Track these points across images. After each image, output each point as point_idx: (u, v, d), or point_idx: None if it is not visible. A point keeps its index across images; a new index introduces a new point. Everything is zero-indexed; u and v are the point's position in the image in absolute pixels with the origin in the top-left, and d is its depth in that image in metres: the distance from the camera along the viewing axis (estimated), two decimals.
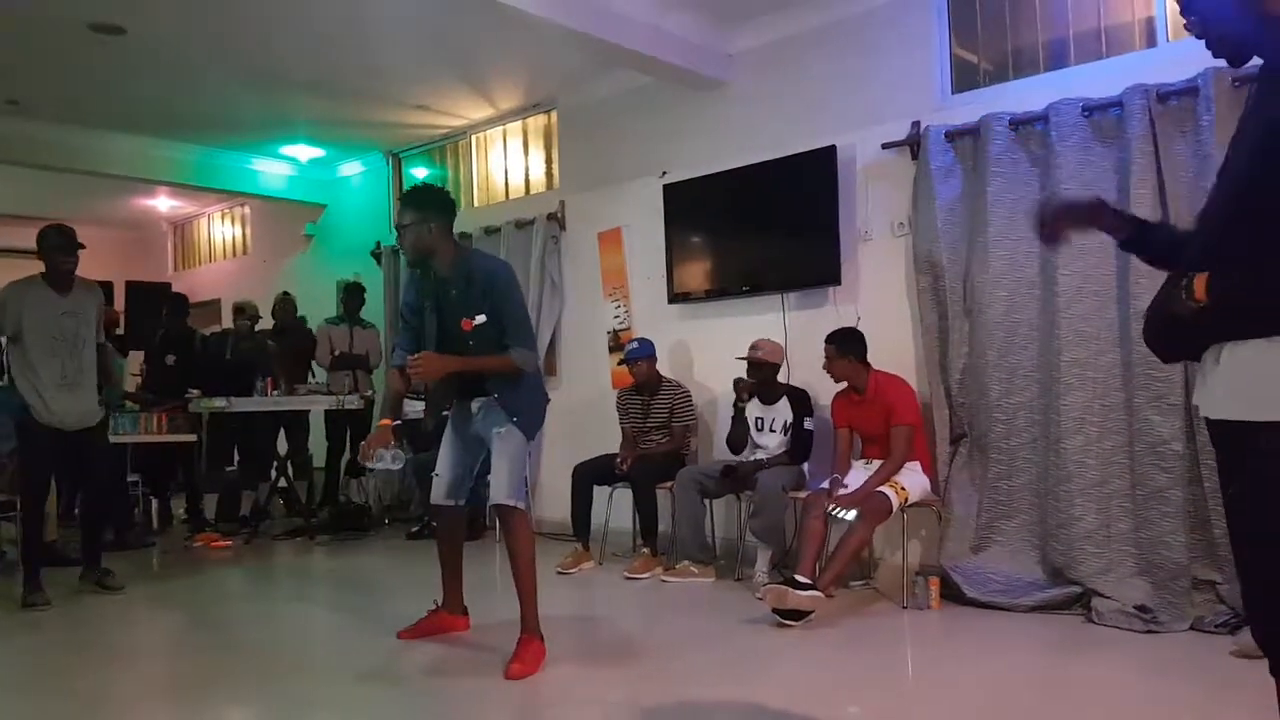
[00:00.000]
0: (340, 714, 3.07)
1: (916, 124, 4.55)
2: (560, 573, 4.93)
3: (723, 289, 5.45)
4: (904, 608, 4.06)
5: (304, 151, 7.89)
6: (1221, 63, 1.68)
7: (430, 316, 3.46)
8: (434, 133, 7.38)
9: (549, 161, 6.82)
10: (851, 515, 4.05)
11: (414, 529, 6.27)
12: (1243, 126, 1.60)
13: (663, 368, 5.38)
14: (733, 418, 4.91)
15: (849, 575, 4.40)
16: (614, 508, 5.24)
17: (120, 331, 7.43)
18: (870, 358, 4.41)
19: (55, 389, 4.46)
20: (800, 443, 4.70)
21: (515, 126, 7.05)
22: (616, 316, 6.11)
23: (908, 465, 4.24)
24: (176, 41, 5.38)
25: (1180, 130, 3.75)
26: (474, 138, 7.32)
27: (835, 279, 4.91)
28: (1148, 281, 3.52)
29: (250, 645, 3.86)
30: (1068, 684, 3.14)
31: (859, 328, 4.52)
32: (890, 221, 4.77)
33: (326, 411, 6.73)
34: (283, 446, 6.74)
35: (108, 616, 4.41)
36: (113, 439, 5.61)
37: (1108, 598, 3.73)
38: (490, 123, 7.10)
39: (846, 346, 4.39)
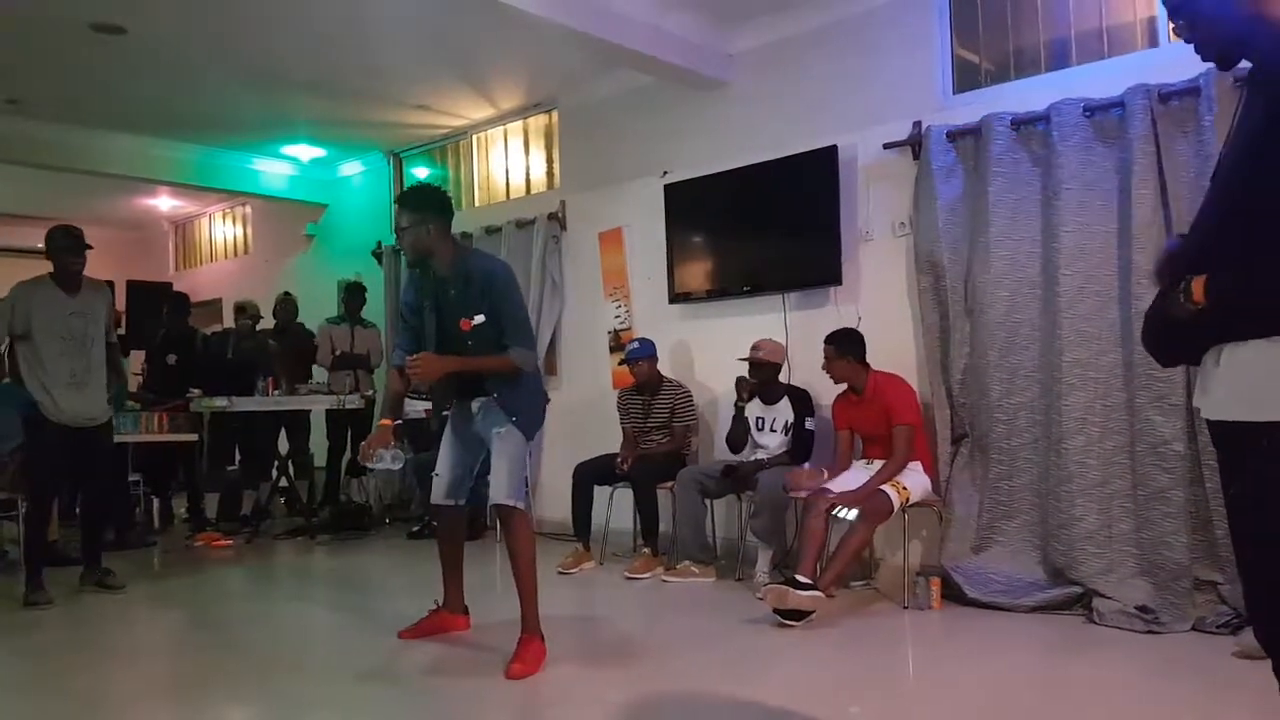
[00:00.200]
0: (340, 714, 3.07)
1: (918, 124, 4.54)
2: (561, 573, 4.93)
3: (723, 289, 5.45)
4: (905, 608, 4.06)
5: (305, 151, 7.89)
6: None
7: (429, 316, 3.45)
8: (435, 132, 7.37)
9: (550, 161, 6.82)
10: (852, 515, 4.06)
11: (414, 529, 6.27)
12: (1234, 126, 1.61)
13: (663, 368, 5.38)
14: (733, 417, 4.91)
15: (850, 575, 4.39)
16: (614, 508, 5.24)
17: (121, 331, 7.42)
18: (871, 358, 4.41)
19: (64, 388, 4.47)
20: (801, 443, 4.70)
21: (516, 126, 7.05)
22: (617, 316, 6.10)
23: (909, 465, 4.24)
24: (177, 41, 5.38)
25: (1182, 130, 3.75)
26: (475, 137, 7.32)
27: (836, 279, 4.91)
28: (1149, 282, 3.51)
29: (250, 645, 3.86)
30: (1069, 684, 3.13)
31: (860, 328, 4.52)
32: (891, 221, 4.76)
33: (327, 411, 6.74)
34: (284, 446, 6.75)
35: (108, 616, 4.42)
36: (114, 438, 5.61)
37: (1109, 598, 3.73)
38: (491, 122, 7.09)
39: (845, 347, 4.39)
